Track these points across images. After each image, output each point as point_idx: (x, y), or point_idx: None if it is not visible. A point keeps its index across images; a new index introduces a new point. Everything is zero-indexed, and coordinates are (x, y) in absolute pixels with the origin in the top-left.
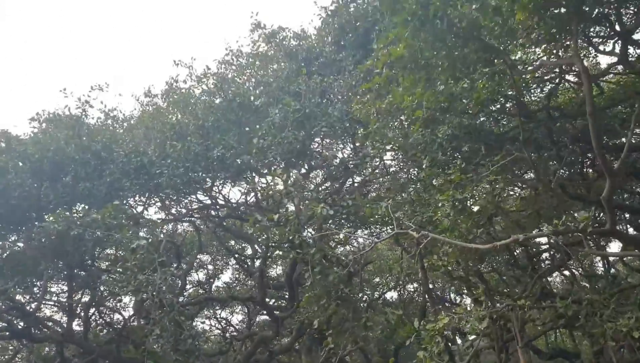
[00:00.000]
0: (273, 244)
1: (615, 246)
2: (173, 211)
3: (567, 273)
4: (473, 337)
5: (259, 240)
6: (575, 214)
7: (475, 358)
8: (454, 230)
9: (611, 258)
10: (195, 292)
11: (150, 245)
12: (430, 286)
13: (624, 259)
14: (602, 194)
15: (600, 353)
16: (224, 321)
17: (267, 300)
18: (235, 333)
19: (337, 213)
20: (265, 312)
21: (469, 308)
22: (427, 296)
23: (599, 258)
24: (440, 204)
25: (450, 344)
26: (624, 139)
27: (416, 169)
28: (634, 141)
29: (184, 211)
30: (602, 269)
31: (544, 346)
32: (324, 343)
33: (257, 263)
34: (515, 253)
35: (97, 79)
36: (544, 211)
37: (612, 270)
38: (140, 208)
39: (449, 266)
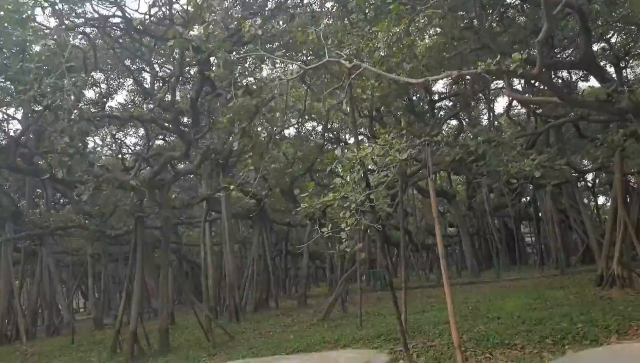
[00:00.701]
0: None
1: (502, 101)
2: (66, 20)
3: (455, 122)
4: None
5: (173, 58)
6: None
7: (387, 188)
8: (383, 63)
9: (496, 111)
10: (87, 111)
11: (58, 47)
12: (329, 126)
13: (509, 113)
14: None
15: (473, 196)
16: (119, 141)
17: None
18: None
19: (264, 34)
20: (170, 134)
21: (391, 141)
22: (353, 128)
23: (485, 110)
24: (372, 37)
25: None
26: None
27: None
28: None
29: (78, 20)
30: (487, 121)
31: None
32: (244, 165)
33: (157, 85)
34: (413, 99)
35: None
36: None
37: (496, 123)
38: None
39: (374, 100)
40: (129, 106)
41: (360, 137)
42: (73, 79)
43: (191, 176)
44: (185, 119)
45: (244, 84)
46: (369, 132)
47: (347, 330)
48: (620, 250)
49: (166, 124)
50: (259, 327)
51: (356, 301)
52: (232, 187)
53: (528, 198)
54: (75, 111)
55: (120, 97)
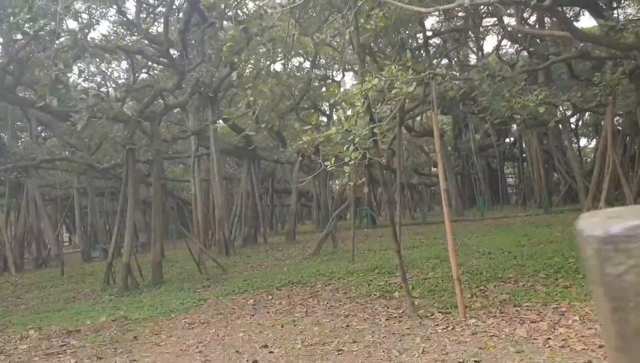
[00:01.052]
0: None
1: (491, 40)
2: None
3: (445, 61)
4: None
5: None
6: None
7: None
8: None
9: (486, 51)
10: (67, 42)
11: None
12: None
13: (498, 52)
14: None
15: (459, 135)
16: (103, 74)
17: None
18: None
19: None
20: (154, 68)
21: (396, 73)
22: (358, 57)
23: (474, 49)
24: None
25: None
26: None
27: None
28: None
29: None
30: (476, 60)
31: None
32: (242, 96)
33: (142, 16)
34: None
35: None
36: None
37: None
38: None
39: (378, 30)
40: (112, 38)
41: (350, 74)
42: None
43: (175, 110)
44: (171, 51)
45: (239, 13)
46: (360, 68)
47: (339, 264)
48: (608, 189)
49: (154, 57)
50: (249, 260)
51: (344, 237)
52: (216, 122)
53: (512, 138)
54: (68, 36)
55: (103, 28)
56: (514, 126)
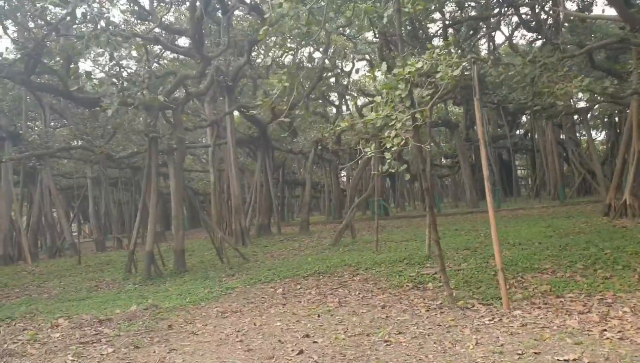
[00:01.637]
0: None
1: (503, 31)
2: None
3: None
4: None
5: None
6: None
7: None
8: None
9: (497, 42)
10: (79, 31)
11: None
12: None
13: (512, 42)
14: None
15: (472, 125)
16: (116, 63)
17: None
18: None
19: None
20: (163, 58)
21: (439, 55)
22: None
23: (484, 41)
24: None
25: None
26: None
27: None
28: None
29: None
30: (487, 51)
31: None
32: (277, 80)
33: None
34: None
35: None
36: None
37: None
38: None
39: (417, 12)
40: (123, 27)
41: (363, 63)
42: None
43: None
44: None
45: None
46: (378, 56)
47: (364, 254)
48: (633, 180)
49: (169, 44)
50: (267, 250)
51: (358, 228)
52: (240, 108)
53: (521, 130)
54: (87, 22)
55: (114, 18)
56: (524, 118)
